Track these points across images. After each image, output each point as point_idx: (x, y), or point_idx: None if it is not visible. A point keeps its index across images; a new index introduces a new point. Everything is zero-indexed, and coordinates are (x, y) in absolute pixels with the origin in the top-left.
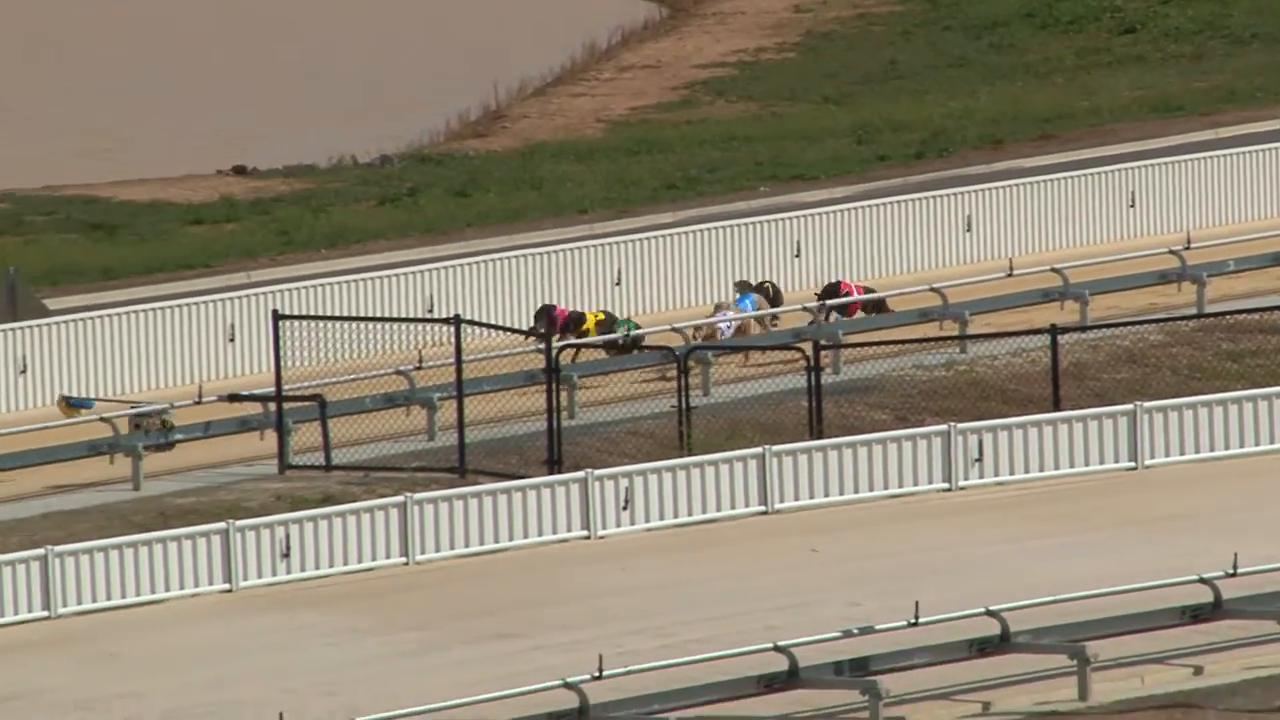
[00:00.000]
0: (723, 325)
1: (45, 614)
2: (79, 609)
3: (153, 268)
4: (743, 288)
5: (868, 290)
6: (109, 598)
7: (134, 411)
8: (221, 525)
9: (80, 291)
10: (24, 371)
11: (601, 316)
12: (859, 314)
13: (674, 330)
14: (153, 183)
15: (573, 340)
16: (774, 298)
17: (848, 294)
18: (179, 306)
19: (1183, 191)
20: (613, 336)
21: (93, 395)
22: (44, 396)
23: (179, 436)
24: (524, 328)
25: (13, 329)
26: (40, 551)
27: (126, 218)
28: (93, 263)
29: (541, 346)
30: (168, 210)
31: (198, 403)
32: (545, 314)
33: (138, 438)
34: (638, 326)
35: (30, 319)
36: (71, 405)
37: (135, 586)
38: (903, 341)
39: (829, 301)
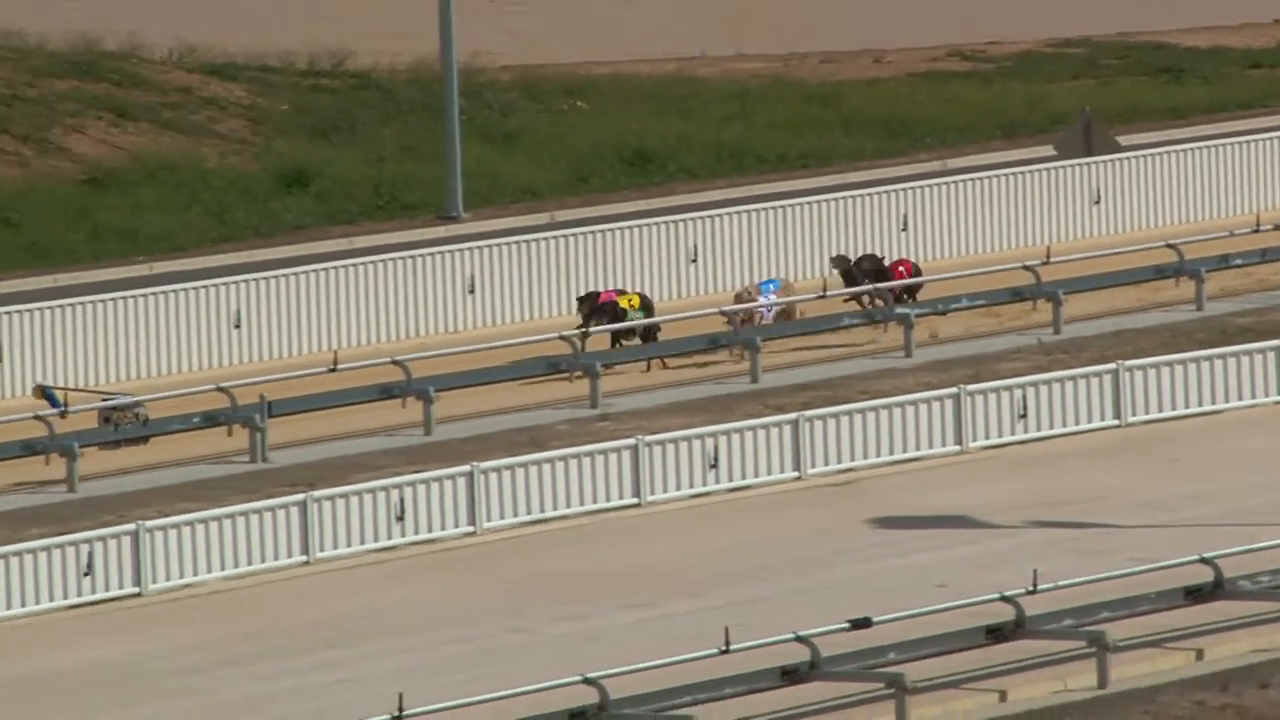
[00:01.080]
0: (763, 309)
1: (1115, 423)
2: (1146, 418)
3: (1215, 107)
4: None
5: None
6: (1173, 408)
7: (105, 405)
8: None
9: (1148, 129)
10: (1097, 201)
11: (637, 301)
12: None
13: None
14: (1215, 30)
15: (598, 326)
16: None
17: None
18: (1242, 144)
19: None
20: (631, 324)
21: (80, 386)
22: (1117, 225)
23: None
24: None
25: (1088, 164)
26: (1111, 366)
27: (1191, 62)
28: (1160, 103)
29: None
30: (1228, 55)
31: (1256, 230)
32: (590, 300)
33: (106, 432)
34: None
35: (1104, 154)
36: (44, 395)
37: (1198, 398)
38: None
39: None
